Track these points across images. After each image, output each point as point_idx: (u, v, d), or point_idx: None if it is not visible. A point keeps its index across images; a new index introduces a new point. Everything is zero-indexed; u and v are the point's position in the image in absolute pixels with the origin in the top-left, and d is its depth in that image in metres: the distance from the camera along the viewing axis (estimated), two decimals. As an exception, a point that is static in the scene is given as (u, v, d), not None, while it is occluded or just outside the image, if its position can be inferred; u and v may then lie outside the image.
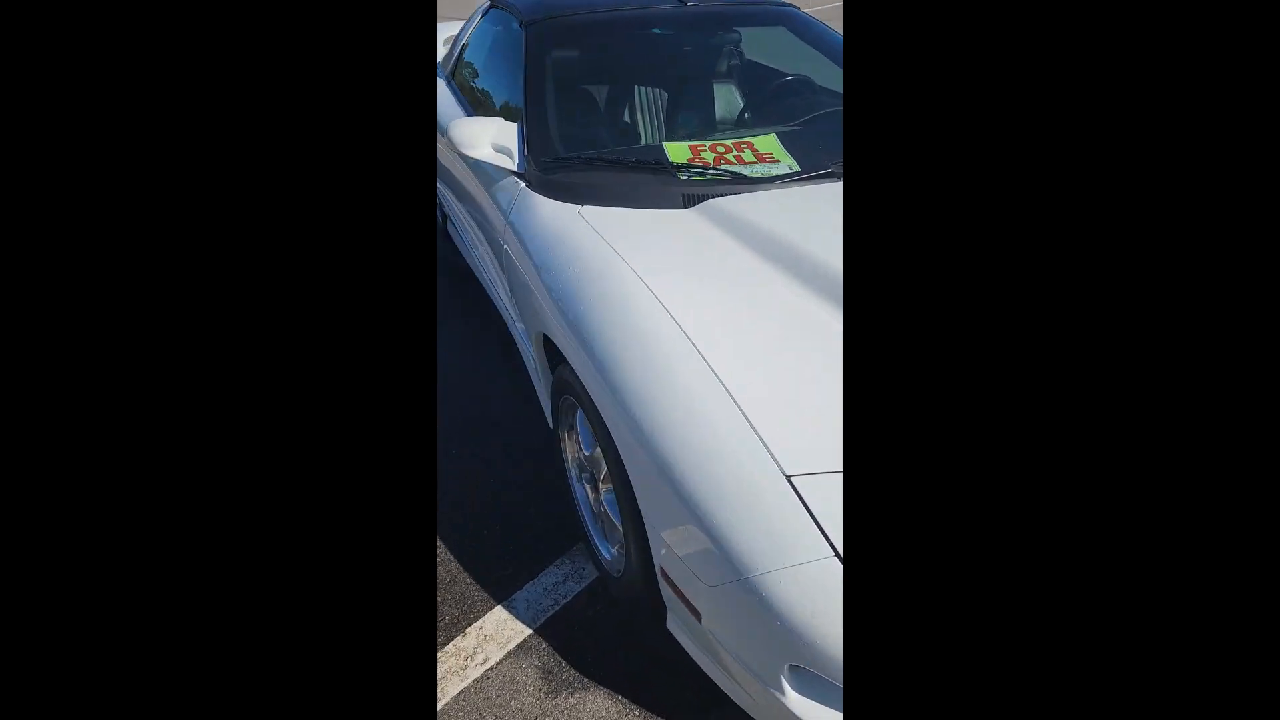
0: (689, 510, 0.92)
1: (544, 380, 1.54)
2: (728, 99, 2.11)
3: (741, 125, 1.97)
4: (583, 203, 1.40)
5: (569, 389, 1.31)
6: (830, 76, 2.06)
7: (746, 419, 0.93)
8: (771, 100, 2.00)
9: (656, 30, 2.05)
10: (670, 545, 0.99)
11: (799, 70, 2.12)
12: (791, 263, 1.16)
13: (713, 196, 1.37)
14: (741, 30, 2.13)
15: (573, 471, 1.48)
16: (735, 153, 1.57)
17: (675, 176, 1.43)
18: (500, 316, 1.99)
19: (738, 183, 1.41)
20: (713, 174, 1.44)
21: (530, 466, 1.73)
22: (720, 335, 1.06)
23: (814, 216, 1.27)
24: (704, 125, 1.96)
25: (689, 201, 1.37)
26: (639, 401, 1.02)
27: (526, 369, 1.77)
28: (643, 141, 2.02)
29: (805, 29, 2.14)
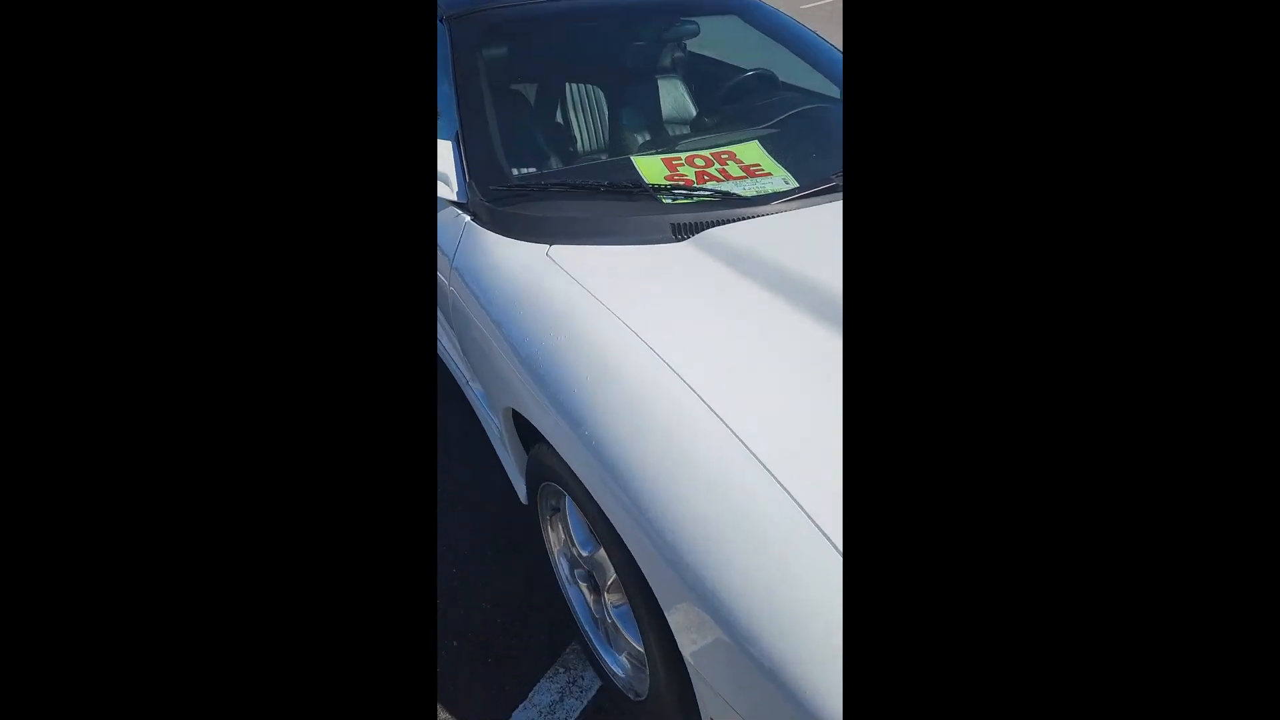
0: (761, 666, 0.69)
1: (513, 454, 1.27)
2: (692, 101, 1.89)
3: (710, 129, 1.75)
4: (551, 241, 1.13)
5: (552, 475, 1.06)
6: (793, 69, 1.87)
7: (823, 535, 0.71)
8: (739, 100, 1.79)
9: (587, 24, 1.79)
10: (730, 703, 0.76)
11: (758, 63, 1.92)
12: (828, 310, 0.95)
13: (707, 225, 1.14)
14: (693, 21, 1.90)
15: (562, 567, 1.22)
16: (718, 165, 1.34)
17: (658, 201, 1.19)
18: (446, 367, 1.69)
19: (732, 205, 1.18)
20: (701, 195, 1.21)
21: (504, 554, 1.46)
22: (760, 411, 0.83)
23: (838, 247, 1.06)
24: (671, 133, 1.72)
25: (680, 232, 1.13)
26: (668, 513, 0.78)
27: (483, 428, 1.49)
28: (584, 147, 1.77)
29: (760, 18, 1.94)
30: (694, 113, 2.02)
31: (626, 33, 1.80)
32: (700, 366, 0.88)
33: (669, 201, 1.20)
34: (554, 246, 1.12)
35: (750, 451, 0.78)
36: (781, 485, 0.74)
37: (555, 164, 1.66)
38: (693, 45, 2.10)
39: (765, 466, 0.76)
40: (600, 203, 1.18)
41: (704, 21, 1.94)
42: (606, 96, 1.89)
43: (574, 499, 1.01)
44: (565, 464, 0.95)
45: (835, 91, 1.81)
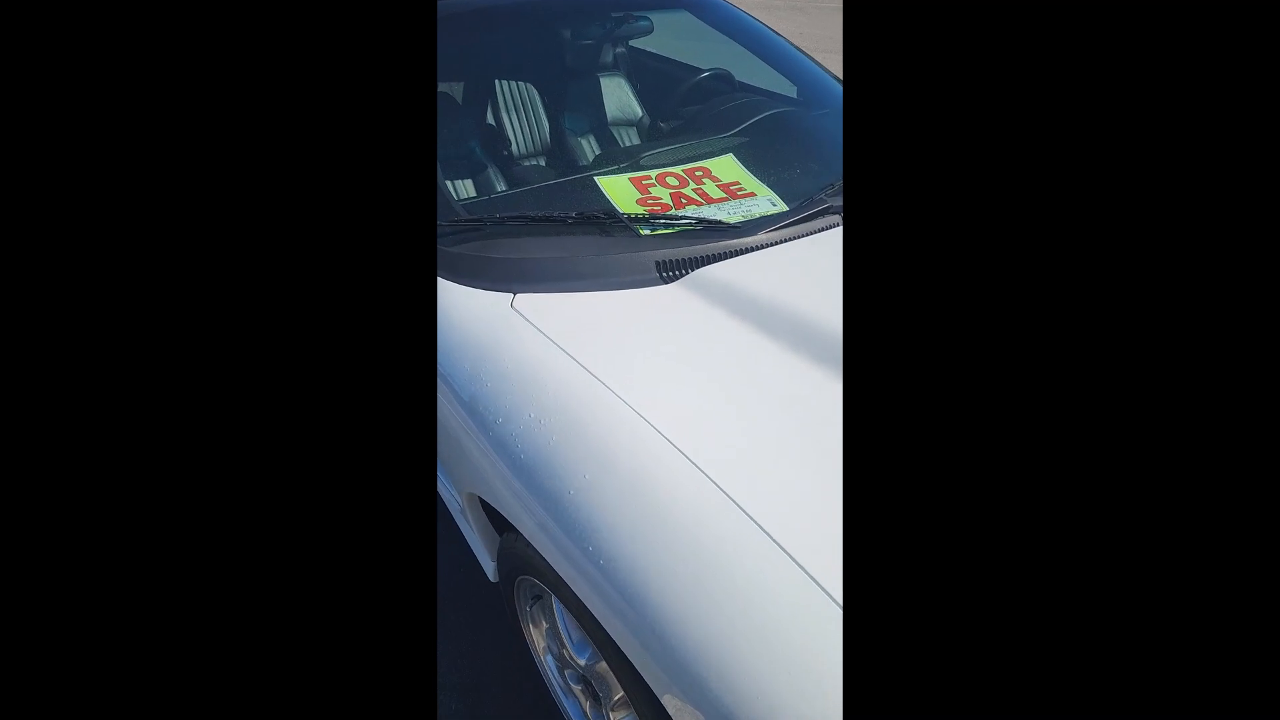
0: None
1: (481, 535, 1.09)
2: (638, 102, 1.72)
3: (668, 136, 1.59)
4: (514, 289, 0.95)
5: (532, 571, 0.88)
6: (743, 65, 1.74)
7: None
8: (696, 103, 1.64)
9: (528, 21, 1.60)
10: None
11: (700, 58, 1.77)
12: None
13: (696, 262, 0.98)
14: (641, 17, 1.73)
15: (550, 668, 1.05)
16: (694, 185, 1.19)
17: (635, 233, 1.02)
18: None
19: (720, 236, 1.03)
20: (684, 224, 1.05)
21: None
22: (784, 494, 0.68)
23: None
24: (618, 137, 1.55)
25: (666, 272, 0.97)
26: (684, 636, 0.63)
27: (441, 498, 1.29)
28: (519, 150, 1.58)
29: (713, 14, 1.79)
30: (640, 113, 1.87)
31: (572, 30, 1.61)
32: (711, 444, 0.72)
33: (647, 233, 1.04)
34: (519, 295, 0.94)
35: (787, 553, 0.63)
36: (821, 587, 0.60)
37: (495, 178, 1.46)
38: (635, 40, 1.94)
39: (803, 568, 0.62)
40: (569, 239, 1.00)
41: (654, 17, 1.78)
42: (548, 99, 1.70)
43: (562, 601, 0.84)
44: (547, 563, 0.78)
45: (793, 91, 1.69)
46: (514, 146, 1.68)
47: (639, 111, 1.85)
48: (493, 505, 0.87)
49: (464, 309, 0.94)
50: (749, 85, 1.74)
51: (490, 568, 1.13)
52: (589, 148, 1.74)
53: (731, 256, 0.99)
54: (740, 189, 1.18)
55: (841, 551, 0.62)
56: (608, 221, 1.03)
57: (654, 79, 1.91)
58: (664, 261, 0.97)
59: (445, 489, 1.14)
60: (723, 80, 1.72)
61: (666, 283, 0.96)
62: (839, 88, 1.64)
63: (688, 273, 0.97)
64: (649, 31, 1.72)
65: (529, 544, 0.83)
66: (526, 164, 1.66)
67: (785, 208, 1.13)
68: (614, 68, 1.92)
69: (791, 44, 1.76)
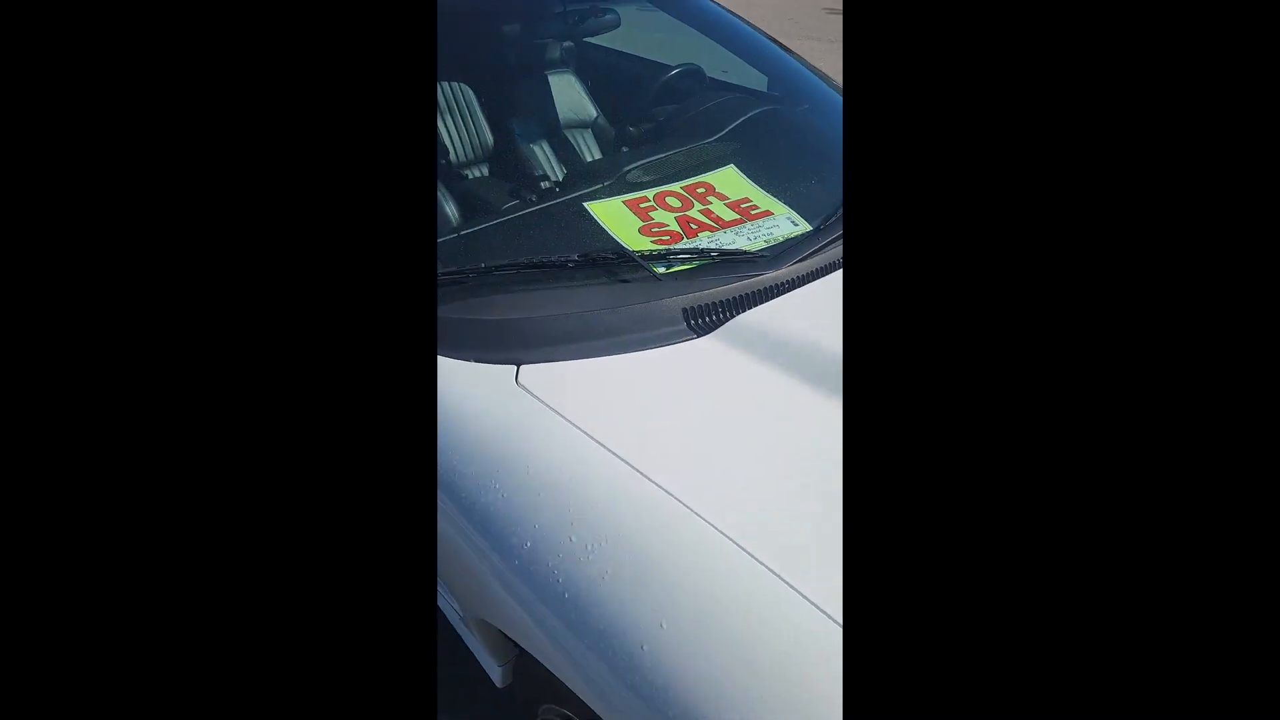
0: None
1: (490, 652, 0.90)
2: (592, 101, 1.53)
3: (642, 142, 1.42)
4: (519, 359, 0.76)
5: (556, 697, 0.71)
6: (717, 62, 1.59)
7: None
8: (667, 103, 1.47)
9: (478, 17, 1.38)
10: None
11: (672, 56, 1.61)
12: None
13: (730, 306, 0.82)
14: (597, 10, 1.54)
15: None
16: (700, 206, 1.02)
17: (652, 274, 0.85)
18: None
19: (746, 271, 0.87)
20: (701, 257, 0.88)
21: None
22: None
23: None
24: (616, 157, 1.37)
25: (697, 320, 0.80)
26: None
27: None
28: (456, 157, 1.38)
29: (677, 3, 1.62)
30: (594, 114, 1.69)
31: (524, 26, 1.41)
32: (819, 561, 0.57)
33: (662, 271, 0.87)
34: (524, 367, 0.75)
35: None
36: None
37: (445, 199, 1.25)
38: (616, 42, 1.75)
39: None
40: (576, 288, 0.82)
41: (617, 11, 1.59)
42: (499, 101, 1.50)
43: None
44: (577, 698, 0.62)
45: (763, 85, 1.56)
46: (452, 155, 1.47)
47: (594, 113, 1.67)
48: (523, 646, 0.69)
49: (456, 389, 0.75)
50: (721, 81, 1.59)
51: (498, 673, 0.95)
52: (544, 156, 1.55)
53: (771, 297, 0.83)
54: (753, 208, 1.03)
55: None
56: (617, 262, 0.85)
57: (612, 76, 1.73)
58: (693, 309, 0.81)
59: (442, 598, 0.95)
60: (694, 77, 1.56)
61: (699, 335, 0.80)
62: (818, 81, 1.51)
63: (723, 320, 0.80)
64: (616, 25, 1.54)
65: (555, 677, 0.65)
66: (483, 184, 1.45)
67: (808, 226, 0.98)
68: (561, 63, 1.73)
69: (764, 33, 1.62)
